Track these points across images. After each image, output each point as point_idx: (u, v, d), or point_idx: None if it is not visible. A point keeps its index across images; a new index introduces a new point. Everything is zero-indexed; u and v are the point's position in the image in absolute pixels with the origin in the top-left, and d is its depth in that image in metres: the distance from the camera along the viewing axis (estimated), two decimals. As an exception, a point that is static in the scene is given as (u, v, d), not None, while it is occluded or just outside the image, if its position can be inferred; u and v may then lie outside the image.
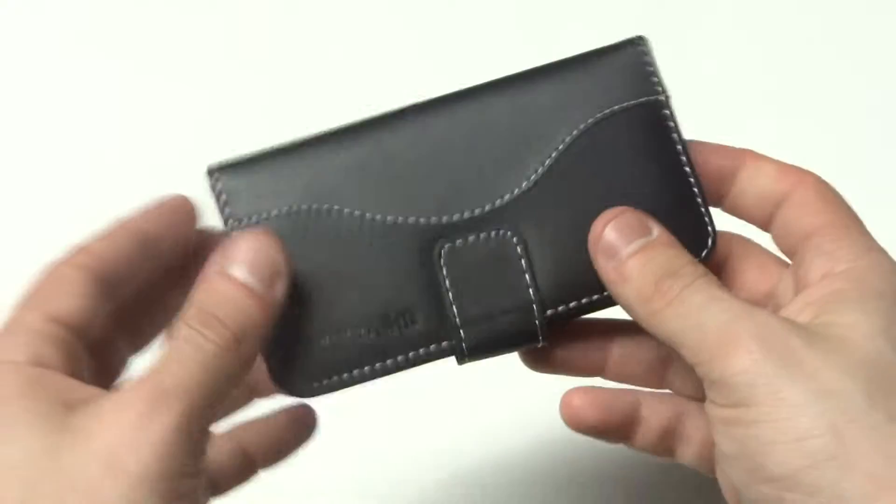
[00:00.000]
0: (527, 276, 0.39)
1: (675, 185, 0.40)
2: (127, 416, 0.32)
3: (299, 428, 0.44)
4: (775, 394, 0.33)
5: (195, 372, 0.34)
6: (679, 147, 0.40)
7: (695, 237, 0.39)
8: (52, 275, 0.37)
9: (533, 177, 0.40)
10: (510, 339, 0.40)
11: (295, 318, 0.39)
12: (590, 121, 0.40)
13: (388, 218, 0.39)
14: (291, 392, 0.40)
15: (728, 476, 0.36)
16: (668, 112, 0.41)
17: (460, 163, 0.40)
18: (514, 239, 0.39)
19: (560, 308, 0.40)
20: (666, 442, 0.41)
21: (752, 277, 0.41)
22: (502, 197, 0.40)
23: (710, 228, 0.40)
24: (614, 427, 0.41)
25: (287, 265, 0.37)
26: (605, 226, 0.38)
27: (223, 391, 0.35)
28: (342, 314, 0.39)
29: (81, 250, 0.38)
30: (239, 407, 0.44)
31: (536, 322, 0.39)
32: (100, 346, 0.38)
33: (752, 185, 0.40)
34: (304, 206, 0.39)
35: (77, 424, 0.33)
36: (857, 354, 0.34)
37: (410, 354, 0.39)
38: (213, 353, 0.34)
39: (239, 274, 0.36)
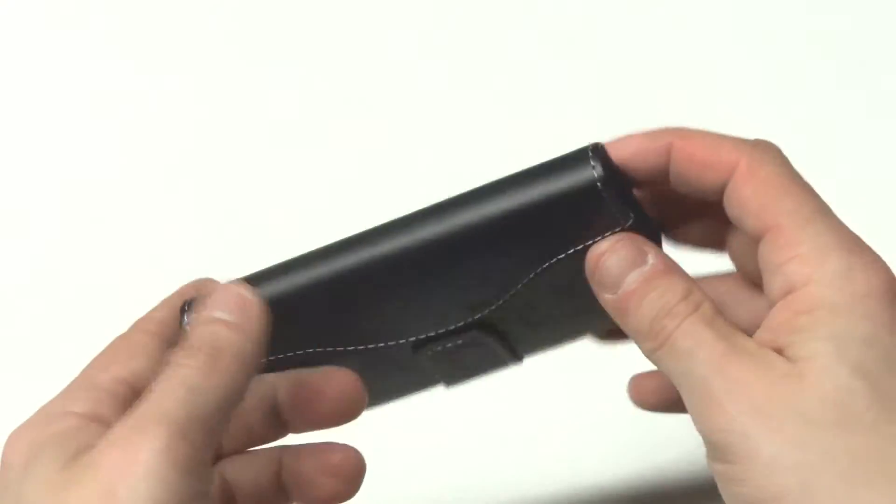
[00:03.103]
0: (503, 350, 0.42)
1: None
2: (116, 448, 0.33)
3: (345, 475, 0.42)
4: (750, 452, 0.33)
5: (175, 394, 0.34)
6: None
7: None
8: (122, 341, 0.39)
9: (500, 301, 0.40)
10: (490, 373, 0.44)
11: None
12: (552, 261, 0.39)
13: (369, 346, 0.41)
14: None
15: None
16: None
17: (443, 288, 0.40)
18: (490, 338, 0.41)
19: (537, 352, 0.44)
20: None
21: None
22: (480, 309, 0.40)
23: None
24: (678, 403, 0.41)
25: (255, 294, 0.37)
26: (600, 256, 0.37)
27: (211, 409, 0.35)
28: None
29: (146, 319, 0.40)
30: (268, 439, 0.43)
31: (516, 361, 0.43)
32: None
33: (683, 172, 0.38)
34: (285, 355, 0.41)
35: (85, 461, 0.34)
36: (815, 396, 0.33)
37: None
38: (189, 374, 0.35)
39: (214, 314, 0.37)
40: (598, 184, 0.37)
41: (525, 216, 0.38)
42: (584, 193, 0.37)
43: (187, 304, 0.40)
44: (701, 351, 0.35)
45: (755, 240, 0.37)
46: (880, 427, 0.32)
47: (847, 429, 0.32)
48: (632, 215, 0.37)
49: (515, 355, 0.43)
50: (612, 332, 0.43)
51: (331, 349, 0.41)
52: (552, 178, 0.38)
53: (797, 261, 0.35)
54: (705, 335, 0.35)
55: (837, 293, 0.34)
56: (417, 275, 0.39)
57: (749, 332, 0.36)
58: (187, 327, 0.38)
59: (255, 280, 0.40)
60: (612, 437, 0.54)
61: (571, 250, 0.38)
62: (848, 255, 0.35)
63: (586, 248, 0.38)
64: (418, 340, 0.41)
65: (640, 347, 0.37)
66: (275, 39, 0.69)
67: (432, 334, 0.41)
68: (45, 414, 0.36)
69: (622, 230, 0.37)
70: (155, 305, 0.41)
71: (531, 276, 0.39)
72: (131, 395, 0.37)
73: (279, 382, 0.42)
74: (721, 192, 0.38)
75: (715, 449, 0.34)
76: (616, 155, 0.39)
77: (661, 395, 0.44)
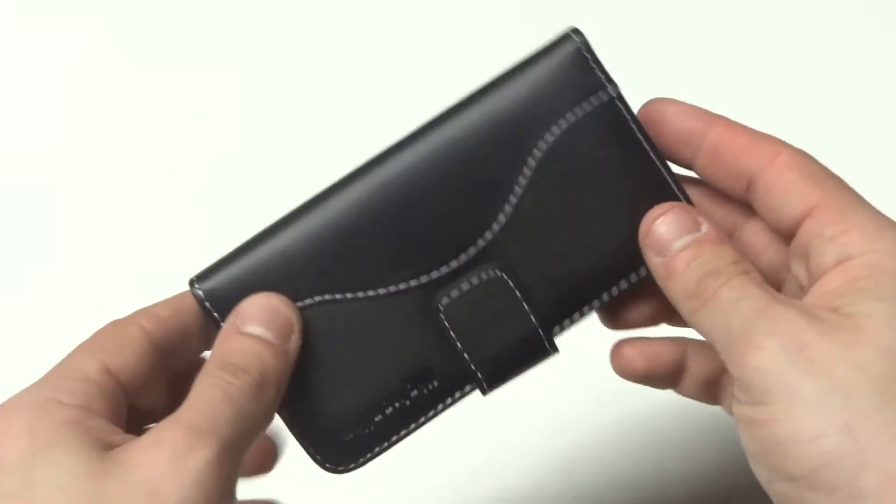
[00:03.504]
0: (525, 304, 0.40)
1: (646, 178, 0.40)
2: (165, 452, 0.34)
3: None
4: (788, 392, 0.33)
5: (225, 412, 0.35)
6: (639, 137, 0.40)
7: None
8: (115, 329, 0.39)
9: (508, 209, 0.40)
10: (524, 361, 0.41)
11: (321, 414, 0.40)
12: (549, 143, 0.39)
13: (381, 290, 0.40)
14: (335, 471, 0.41)
15: (756, 472, 0.36)
16: (620, 107, 0.40)
17: (432, 215, 0.40)
18: (504, 275, 0.40)
19: (565, 322, 0.41)
20: (710, 390, 0.42)
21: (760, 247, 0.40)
22: (483, 237, 0.40)
23: (682, 200, 0.40)
24: (661, 375, 0.42)
25: (298, 320, 0.39)
26: (654, 221, 0.38)
27: (250, 433, 0.36)
28: (364, 400, 0.40)
29: (147, 313, 0.40)
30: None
31: (545, 342, 0.41)
32: (141, 401, 0.39)
33: (723, 157, 0.39)
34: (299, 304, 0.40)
35: (117, 458, 0.34)
36: (871, 346, 0.33)
37: (438, 406, 0.41)
38: (238, 396, 0.36)
39: (254, 330, 0.38)
40: (582, 49, 0.38)
41: (509, 106, 0.39)
42: (570, 52, 0.39)
43: (213, 306, 0.39)
44: (746, 301, 0.35)
45: (794, 220, 0.37)
46: None
47: None
48: (616, 86, 0.39)
49: (537, 313, 0.40)
50: (621, 316, 0.43)
51: (339, 296, 0.40)
52: (532, 65, 0.39)
53: (855, 232, 0.36)
54: (752, 290, 0.36)
55: None
56: (410, 201, 0.39)
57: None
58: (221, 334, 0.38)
59: (246, 247, 0.40)
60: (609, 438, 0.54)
61: (565, 125, 0.39)
62: None
63: (579, 122, 0.39)
64: (430, 281, 0.40)
65: (681, 310, 0.37)
66: (269, 33, 0.69)
67: (437, 273, 0.40)
68: (34, 399, 0.36)
69: (610, 96, 0.39)
70: (160, 301, 0.40)
71: (533, 166, 0.39)
72: (118, 389, 0.37)
73: None
74: (748, 180, 0.38)
75: (748, 390, 0.34)
76: (655, 116, 0.40)
77: (647, 363, 0.43)
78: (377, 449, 0.41)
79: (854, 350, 0.33)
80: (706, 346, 0.41)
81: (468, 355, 0.40)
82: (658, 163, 0.40)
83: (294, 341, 0.38)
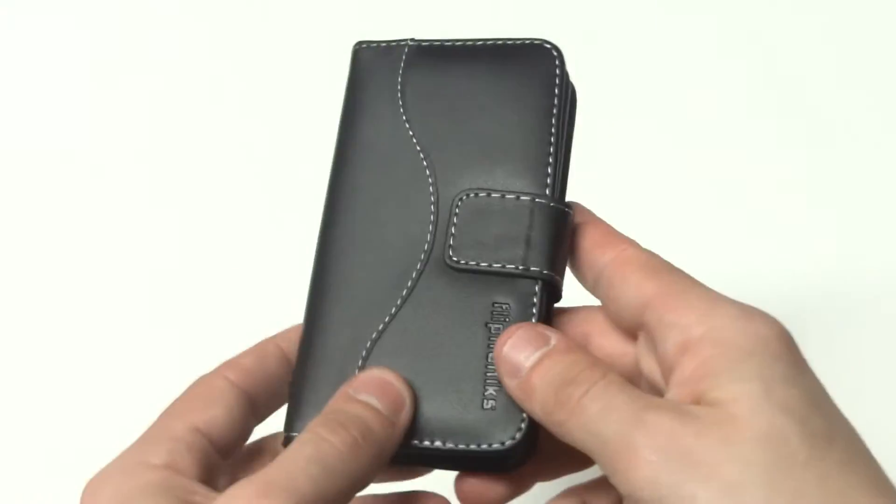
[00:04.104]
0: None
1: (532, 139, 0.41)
2: None
3: None
4: (682, 502, 0.32)
5: (308, 468, 0.34)
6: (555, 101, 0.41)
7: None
8: (202, 385, 0.39)
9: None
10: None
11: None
12: None
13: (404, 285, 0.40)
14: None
15: None
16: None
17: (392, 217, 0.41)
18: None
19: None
20: None
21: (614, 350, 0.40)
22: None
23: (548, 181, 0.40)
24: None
25: (411, 397, 0.38)
26: (501, 347, 0.38)
27: (338, 494, 0.35)
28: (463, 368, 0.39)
29: (232, 365, 0.39)
30: None
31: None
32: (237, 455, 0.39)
33: (579, 252, 0.40)
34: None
35: None
36: (748, 436, 0.33)
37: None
38: (329, 452, 0.35)
39: (364, 397, 0.37)
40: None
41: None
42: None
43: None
44: (614, 411, 0.34)
45: (635, 312, 0.37)
46: (814, 465, 0.32)
47: (784, 468, 0.32)
48: None
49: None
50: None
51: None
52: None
53: (690, 314, 0.35)
54: (617, 397, 0.35)
55: (742, 336, 0.34)
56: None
57: None
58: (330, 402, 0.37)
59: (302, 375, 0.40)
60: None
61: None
62: (740, 306, 0.35)
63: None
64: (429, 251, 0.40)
65: (549, 427, 0.36)
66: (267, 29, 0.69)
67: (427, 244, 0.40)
68: (124, 464, 0.36)
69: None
70: (244, 350, 0.40)
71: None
72: (207, 446, 0.37)
73: None
74: (596, 275, 0.39)
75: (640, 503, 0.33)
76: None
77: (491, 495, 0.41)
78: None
79: (734, 445, 0.33)
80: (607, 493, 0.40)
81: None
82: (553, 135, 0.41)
83: (404, 417, 0.37)
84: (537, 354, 0.37)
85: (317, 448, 0.34)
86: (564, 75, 0.41)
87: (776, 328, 0.35)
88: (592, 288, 0.39)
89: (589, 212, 0.41)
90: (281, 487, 0.33)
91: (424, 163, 0.41)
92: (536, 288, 0.39)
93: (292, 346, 0.40)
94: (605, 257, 0.39)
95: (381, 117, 0.42)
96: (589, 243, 0.39)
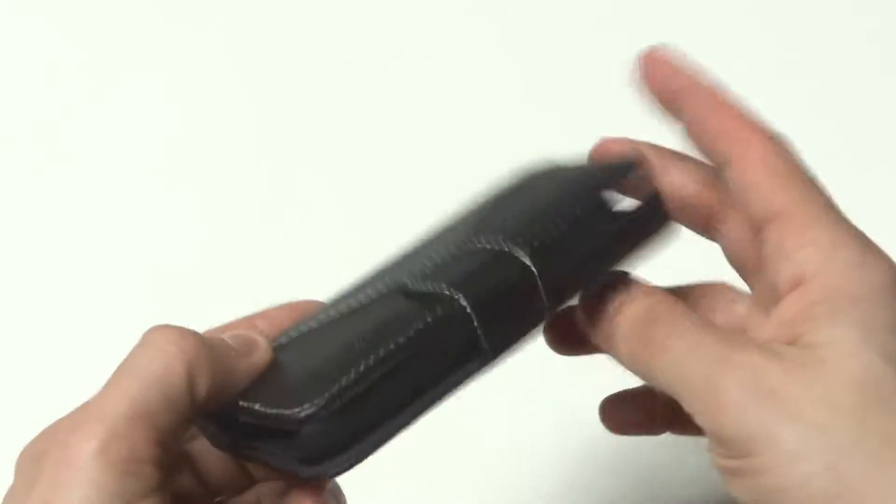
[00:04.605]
0: (491, 244, 0.37)
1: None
2: (57, 449, 0.33)
3: None
4: (769, 442, 0.32)
5: (125, 388, 0.33)
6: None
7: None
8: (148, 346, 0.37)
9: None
10: (506, 281, 0.36)
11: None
12: None
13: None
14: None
15: None
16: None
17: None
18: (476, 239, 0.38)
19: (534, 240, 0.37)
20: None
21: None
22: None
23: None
24: (656, 424, 0.41)
25: (266, 345, 0.37)
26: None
27: (160, 408, 0.33)
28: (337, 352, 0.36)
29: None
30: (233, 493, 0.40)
31: (522, 257, 0.36)
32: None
33: (696, 136, 0.37)
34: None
35: (37, 469, 0.33)
36: (839, 378, 0.32)
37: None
38: (155, 361, 0.34)
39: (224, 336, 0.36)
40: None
41: None
42: None
43: None
44: (699, 350, 0.34)
45: (760, 222, 0.36)
46: None
47: (875, 411, 0.32)
48: None
49: (511, 241, 0.37)
50: (566, 339, 0.41)
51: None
52: None
53: (810, 249, 0.34)
54: (702, 336, 0.35)
55: (856, 283, 0.34)
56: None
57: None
58: None
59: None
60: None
61: None
62: (862, 248, 0.34)
63: None
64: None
65: (633, 369, 0.36)
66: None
67: None
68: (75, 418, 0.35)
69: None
70: (222, 324, 0.39)
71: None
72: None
73: None
74: (723, 162, 0.37)
75: (727, 444, 0.33)
76: (647, 69, 0.39)
77: (638, 416, 0.42)
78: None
79: (822, 386, 0.32)
80: None
81: (447, 290, 0.36)
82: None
83: (255, 356, 0.36)
84: (620, 298, 0.37)
85: (139, 362, 0.34)
86: None
87: (892, 274, 0.34)
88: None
89: (690, 77, 0.38)
90: (92, 415, 0.32)
91: None
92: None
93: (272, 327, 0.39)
94: (728, 151, 0.36)
95: None
96: (705, 131, 0.37)
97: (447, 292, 0.35)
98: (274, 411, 0.34)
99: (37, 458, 0.33)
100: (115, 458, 0.32)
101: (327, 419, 0.34)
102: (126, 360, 0.34)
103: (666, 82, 0.38)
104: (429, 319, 0.35)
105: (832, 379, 0.32)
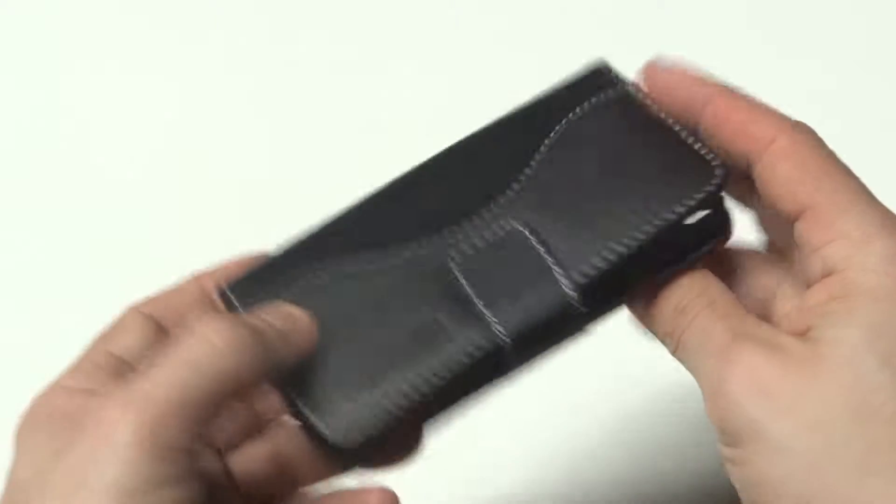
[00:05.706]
0: (543, 253, 0.37)
1: (663, 144, 0.38)
2: (96, 424, 0.33)
3: None
4: (756, 436, 0.33)
5: (173, 373, 0.33)
6: (656, 111, 0.39)
7: (699, 174, 0.37)
8: (116, 319, 0.38)
9: (522, 179, 0.39)
10: (548, 317, 0.37)
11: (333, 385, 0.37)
12: (563, 126, 0.39)
13: (395, 261, 0.38)
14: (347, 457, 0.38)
15: None
16: (633, 92, 0.40)
17: (446, 189, 0.39)
18: (520, 226, 0.38)
19: (588, 271, 0.37)
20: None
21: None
22: (498, 198, 0.39)
23: (710, 159, 0.37)
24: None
25: (312, 329, 0.37)
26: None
27: (205, 398, 0.34)
28: (379, 364, 0.37)
29: (144, 299, 0.39)
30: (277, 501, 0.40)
31: (568, 290, 0.37)
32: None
33: (719, 138, 0.37)
34: (315, 282, 0.38)
35: (70, 436, 0.33)
36: (834, 381, 0.32)
37: (454, 367, 0.37)
38: (203, 351, 0.34)
39: (265, 317, 0.37)
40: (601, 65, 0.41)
41: (529, 105, 0.40)
42: (588, 71, 0.41)
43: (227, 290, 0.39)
44: (709, 344, 0.35)
45: (789, 219, 0.35)
46: None
47: (865, 418, 0.32)
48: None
49: (561, 265, 0.37)
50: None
51: (351, 269, 0.39)
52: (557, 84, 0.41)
53: (838, 244, 0.34)
54: (715, 329, 0.35)
55: (882, 278, 0.33)
56: (424, 180, 0.40)
57: (770, 303, 0.37)
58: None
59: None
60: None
61: (580, 111, 0.39)
62: (885, 238, 0.34)
63: (595, 110, 0.39)
64: (445, 241, 0.38)
65: (673, 355, 0.37)
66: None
67: (456, 228, 0.39)
68: (44, 394, 0.36)
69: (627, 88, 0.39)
70: (171, 285, 0.39)
71: (553, 137, 0.39)
72: (125, 368, 0.36)
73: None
74: (746, 160, 0.36)
75: (723, 433, 0.34)
76: (653, 81, 0.39)
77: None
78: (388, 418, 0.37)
79: (820, 384, 0.32)
80: None
81: (483, 305, 0.37)
82: (675, 126, 0.38)
83: (300, 338, 0.37)
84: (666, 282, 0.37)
85: (191, 350, 0.33)
86: None
87: None
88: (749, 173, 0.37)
89: (704, 82, 0.37)
90: (138, 396, 0.32)
91: None
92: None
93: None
94: (753, 149, 0.36)
95: None
96: (728, 132, 0.36)
97: (493, 326, 0.37)
98: (316, 422, 0.36)
99: (61, 420, 0.34)
100: (154, 443, 0.32)
101: (365, 446, 0.36)
102: (175, 347, 0.34)
103: (675, 93, 0.38)
104: (467, 361, 0.37)
105: (827, 381, 0.32)
